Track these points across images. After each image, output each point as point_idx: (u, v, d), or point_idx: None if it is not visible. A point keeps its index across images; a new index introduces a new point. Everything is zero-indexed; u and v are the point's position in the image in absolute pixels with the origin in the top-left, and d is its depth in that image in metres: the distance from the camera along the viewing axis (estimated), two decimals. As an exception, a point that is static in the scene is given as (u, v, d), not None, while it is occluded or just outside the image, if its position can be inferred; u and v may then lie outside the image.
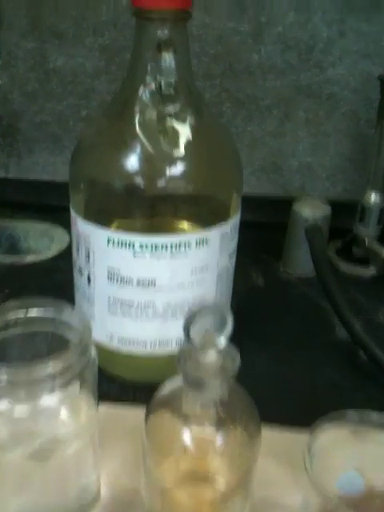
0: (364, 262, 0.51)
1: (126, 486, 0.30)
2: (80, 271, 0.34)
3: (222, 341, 0.21)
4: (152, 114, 0.30)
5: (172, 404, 0.23)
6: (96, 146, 0.31)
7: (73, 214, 0.33)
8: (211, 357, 0.21)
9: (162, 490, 0.25)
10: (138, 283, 0.32)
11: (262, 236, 0.55)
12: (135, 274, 0.31)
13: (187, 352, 0.21)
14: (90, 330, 0.23)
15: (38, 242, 0.56)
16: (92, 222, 0.31)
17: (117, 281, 0.32)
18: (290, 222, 0.49)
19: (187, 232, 0.31)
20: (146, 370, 0.35)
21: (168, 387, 0.24)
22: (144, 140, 0.30)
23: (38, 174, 0.59)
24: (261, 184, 0.56)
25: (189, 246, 0.31)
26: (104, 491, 0.29)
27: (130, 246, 0.31)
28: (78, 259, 0.33)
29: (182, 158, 0.30)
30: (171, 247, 0.31)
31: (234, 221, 0.33)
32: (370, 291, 0.48)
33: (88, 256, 0.32)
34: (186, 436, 0.22)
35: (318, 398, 0.36)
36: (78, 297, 0.35)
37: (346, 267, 0.51)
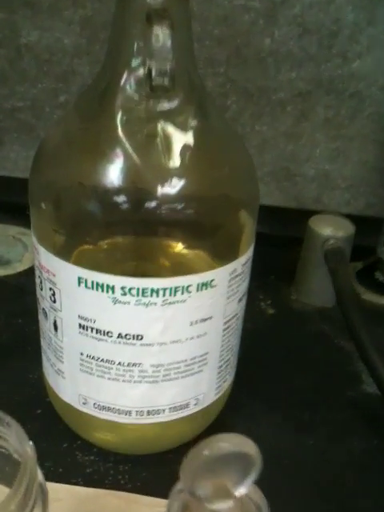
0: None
1: None
2: (45, 313, 0.26)
3: (243, 489, 0.13)
4: (139, 112, 0.22)
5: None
6: (63, 154, 0.23)
7: (34, 240, 0.25)
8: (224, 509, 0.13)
9: None
10: (120, 337, 0.24)
11: (270, 254, 0.47)
12: (116, 326, 0.23)
13: (184, 504, 0.14)
14: (33, 460, 0.15)
15: (9, 249, 0.48)
16: (58, 254, 0.23)
17: (91, 333, 0.24)
18: (306, 241, 0.42)
19: (186, 272, 0.23)
20: (131, 440, 0.28)
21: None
22: (127, 147, 0.22)
23: (8, 169, 0.50)
24: (270, 193, 0.48)
25: (188, 290, 0.23)
26: None
27: (108, 289, 0.23)
28: (41, 297, 0.26)
29: (179, 173, 0.22)
30: (164, 292, 0.23)
31: (247, 255, 0.25)
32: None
33: (53, 296, 0.24)
34: None
35: (344, 490, 0.28)
36: (43, 344, 0.27)
37: (368, 296, 0.43)
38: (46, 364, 0.28)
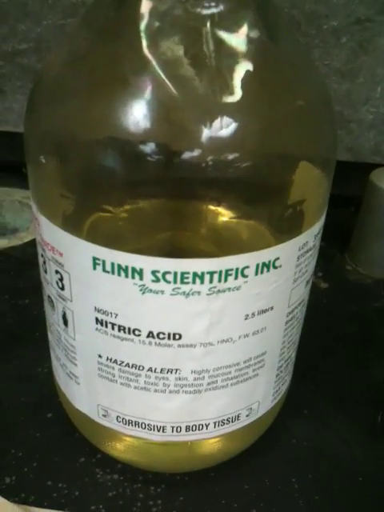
0: None
1: None
2: (50, 302, 0.20)
3: None
4: (177, 17, 0.15)
5: None
6: (68, 87, 0.16)
7: (33, 208, 0.18)
8: None
9: None
10: (151, 336, 0.18)
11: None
12: (146, 322, 0.17)
13: None
14: None
15: (15, 217, 0.42)
16: (66, 227, 0.17)
17: (113, 331, 0.18)
18: (366, 200, 0.35)
19: (240, 250, 0.16)
20: (166, 458, 0.22)
21: None
22: (159, 71, 0.15)
23: (11, 123, 0.43)
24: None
25: (243, 274, 0.17)
26: None
27: (134, 274, 0.16)
28: (45, 281, 0.19)
29: (236, 108, 0.15)
30: (212, 278, 0.16)
31: (320, 224, 0.19)
32: None
33: (61, 282, 0.18)
34: None
35: None
36: (51, 339, 0.21)
37: None
38: (54, 363, 0.22)
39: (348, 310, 0.33)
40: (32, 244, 0.37)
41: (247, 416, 0.21)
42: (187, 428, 0.20)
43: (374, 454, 0.24)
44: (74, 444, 0.23)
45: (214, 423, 0.20)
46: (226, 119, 0.15)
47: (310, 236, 0.18)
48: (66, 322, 0.19)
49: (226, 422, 0.20)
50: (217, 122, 0.15)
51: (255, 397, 0.20)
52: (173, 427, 0.20)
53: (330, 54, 0.38)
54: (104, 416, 0.20)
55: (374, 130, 0.40)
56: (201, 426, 0.20)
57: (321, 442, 0.25)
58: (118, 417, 0.20)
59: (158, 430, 0.20)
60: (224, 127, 0.15)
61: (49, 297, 0.19)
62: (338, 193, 0.40)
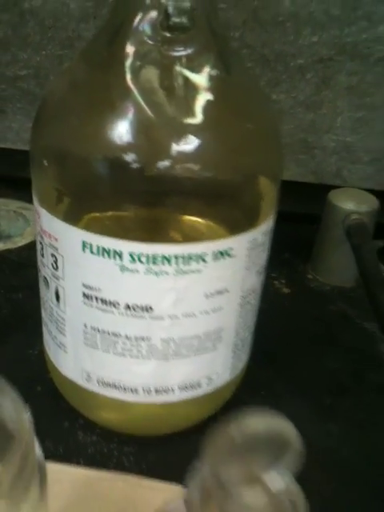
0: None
1: None
2: (45, 281, 0.24)
3: (279, 481, 0.11)
4: (154, 58, 0.20)
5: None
6: (68, 107, 0.21)
7: (35, 202, 0.23)
8: (253, 501, 0.11)
9: None
10: (128, 309, 0.22)
11: (286, 231, 0.45)
12: (123, 295, 0.21)
13: (205, 491, 0.12)
14: (28, 427, 0.13)
15: (10, 224, 0.46)
16: (61, 217, 0.21)
17: (96, 303, 0.22)
18: (325, 217, 0.39)
19: (203, 239, 0.21)
20: (138, 418, 0.26)
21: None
22: (139, 98, 0.19)
23: (10, 141, 0.48)
24: (287, 166, 0.46)
25: (203, 260, 0.21)
26: None
27: (115, 256, 0.20)
28: (42, 264, 0.23)
29: (198, 128, 0.20)
30: (177, 261, 0.21)
31: (268, 224, 0.23)
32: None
33: (55, 263, 0.22)
34: None
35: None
36: (44, 314, 0.25)
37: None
38: (46, 337, 0.26)
39: (307, 311, 0.38)
40: (25, 248, 0.41)
41: (207, 384, 0.25)
42: (156, 391, 0.24)
43: (322, 429, 0.28)
44: (60, 412, 0.27)
45: (179, 388, 0.24)
46: (190, 137, 0.20)
47: (259, 234, 0.23)
48: (58, 298, 0.23)
49: (189, 387, 0.24)
50: (182, 139, 0.19)
51: (214, 368, 0.24)
52: (144, 389, 0.24)
53: (296, 87, 0.43)
54: (87, 380, 0.24)
55: (336, 155, 0.45)
56: (167, 390, 0.24)
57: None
58: (98, 380, 0.24)
59: (132, 392, 0.24)
60: (188, 143, 0.20)
61: (44, 278, 0.24)
62: (303, 211, 0.45)
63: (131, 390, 0.24)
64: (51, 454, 0.25)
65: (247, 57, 0.43)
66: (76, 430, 0.27)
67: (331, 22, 0.41)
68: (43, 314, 0.25)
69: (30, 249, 0.41)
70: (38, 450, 0.14)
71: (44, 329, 0.26)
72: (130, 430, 0.26)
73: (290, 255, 0.43)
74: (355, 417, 0.29)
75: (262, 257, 0.24)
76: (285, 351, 0.33)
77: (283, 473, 0.11)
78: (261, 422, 0.11)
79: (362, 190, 0.39)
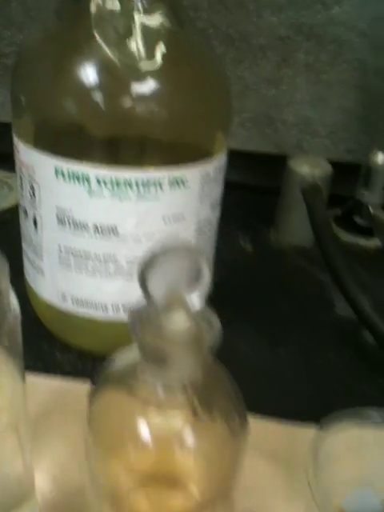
0: (367, 232, 0.45)
1: (73, 483, 0.24)
2: (25, 212, 0.27)
3: (196, 300, 0.14)
4: (114, 7, 0.23)
5: (126, 382, 0.17)
6: (42, 53, 0.24)
7: (15, 138, 0.26)
8: (179, 321, 0.15)
9: (111, 496, 0.19)
10: (96, 230, 0.25)
11: (251, 198, 0.48)
12: (91, 217, 0.25)
13: (145, 313, 0.15)
14: (4, 273, 0.16)
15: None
16: (37, 148, 0.24)
17: (69, 225, 0.25)
18: (285, 181, 0.43)
19: (159, 167, 0.24)
20: (108, 337, 0.29)
21: (122, 359, 0.18)
22: (102, 44, 0.23)
23: (-5, 115, 0.51)
24: (250, 138, 0.50)
25: (160, 185, 0.24)
26: (43, 488, 0.23)
27: (84, 180, 0.24)
28: (22, 197, 0.27)
29: (156, 71, 0.23)
30: (138, 185, 0.24)
31: (219, 161, 0.27)
32: (373, 265, 0.42)
33: (33, 192, 0.26)
34: (143, 427, 0.16)
35: (317, 386, 0.30)
36: (24, 245, 0.28)
37: (346, 238, 0.44)
38: (27, 267, 0.29)
39: (268, 266, 0.41)
40: (8, 210, 0.44)
41: (169, 306, 0.28)
42: (124, 308, 0.27)
43: (271, 352, 0.32)
44: (39, 337, 0.30)
45: (143, 306, 0.27)
46: (149, 80, 0.23)
47: (211, 168, 0.26)
48: (35, 224, 0.26)
49: (152, 306, 0.27)
50: (142, 82, 0.23)
51: (174, 290, 0.28)
52: (113, 306, 0.27)
53: (258, 65, 0.47)
54: (63, 299, 0.27)
55: (296, 128, 0.49)
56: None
57: (232, 343, 0.32)
58: (72, 299, 0.27)
59: (102, 310, 0.27)
60: (147, 85, 0.23)
61: (24, 208, 0.27)
62: (267, 180, 0.49)
63: (102, 306, 0.27)
64: (31, 370, 0.28)
65: (213, 36, 0.47)
66: (54, 351, 0.30)
67: (289, 4, 0.45)
68: (23, 245, 0.29)
69: (12, 212, 0.44)
70: (13, 298, 0.17)
71: (25, 259, 0.29)
72: (102, 351, 0.29)
73: (255, 220, 0.47)
74: (301, 345, 0.33)
75: (216, 191, 0.27)
76: (244, 297, 0.37)
77: (200, 296, 0.14)
78: (180, 253, 0.14)
79: (318, 158, 0.42)
